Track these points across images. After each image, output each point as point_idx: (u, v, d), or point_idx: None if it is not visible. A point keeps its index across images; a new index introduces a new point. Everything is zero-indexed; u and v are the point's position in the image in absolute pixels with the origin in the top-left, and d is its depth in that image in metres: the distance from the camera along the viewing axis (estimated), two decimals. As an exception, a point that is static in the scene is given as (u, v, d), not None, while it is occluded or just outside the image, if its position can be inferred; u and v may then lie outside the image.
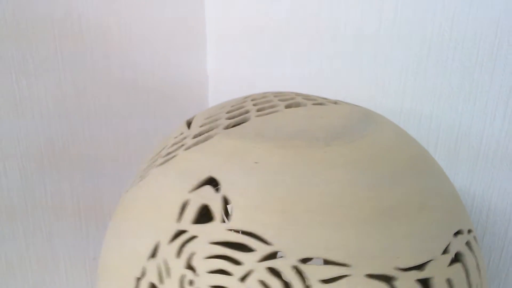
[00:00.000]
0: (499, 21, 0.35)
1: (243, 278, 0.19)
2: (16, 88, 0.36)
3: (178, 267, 0.20)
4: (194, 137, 0.24)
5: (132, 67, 0.45)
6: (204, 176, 0.21)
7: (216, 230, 0.20)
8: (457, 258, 0.22)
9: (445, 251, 0.21)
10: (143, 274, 0.21)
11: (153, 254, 0.21)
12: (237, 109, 0.26)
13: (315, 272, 0.19)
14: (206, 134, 0.23)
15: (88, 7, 0.39)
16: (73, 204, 0.41)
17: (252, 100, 0.27)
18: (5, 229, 0.36)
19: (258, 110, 0.25)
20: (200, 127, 0.25)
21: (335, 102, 0.27)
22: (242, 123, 0.24)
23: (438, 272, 0.21)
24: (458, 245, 0.22)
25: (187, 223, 0.21)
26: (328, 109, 0.26)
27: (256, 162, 0.21)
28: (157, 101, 0.48)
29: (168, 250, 0.21)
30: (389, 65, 0.41)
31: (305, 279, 0.19)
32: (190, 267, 0.20)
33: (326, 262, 0.19)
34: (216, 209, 0.20)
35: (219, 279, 0.19)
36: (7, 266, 0.37)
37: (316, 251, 0.19)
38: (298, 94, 0.28)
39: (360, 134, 0.23)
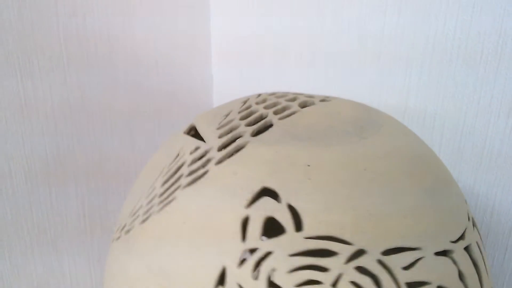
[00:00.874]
0: (503, 20, 0.35)
1: (334, 284, 0.19)
2: (21, 89, 0.36)
3: (259, 288, 0.19)
4: (220, 149, 0.23)
5: (137, 69, 0.45)
6: (257, 187, 0.20)
7: (293, 241, 0.19)
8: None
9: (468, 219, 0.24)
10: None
11: (221, 282, 0.20)
12: (250, 114, 0.25)
13: (396, 262, 0.19)
14: (234, 145, 0.22)
15: (93, 8, 0.39)
16: (78, 206, 0.41)
17: (257, 103, 0.27)
18: (10, 230, 0.36)
19: (275, 113, 0.25)
20: (219, 138, 0.23)
21: (327, 98, 0.27)
22: (267, 127, 0.24)
23: (472, 237, 0.23)
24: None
25: (254, 240, 0.19)
26: (337, 104, 0.26)
27: (308, 165, 0.20)
28: (162, 103, 0.48)
29: (240, 273, 0.19)
30: (393, 64, 0.41)
31: (390, 270, 0.19)
32: (273, 285, 0.19)
33: (399, 249, 0.20)
34: (286, 220, 0.19)
35: (311, 290, 0.19)
36: (12, 268, 0.37)
37: (394, 241, 0.20)
38: (294, 93, 0.28)
39: (377, 124, 0.23)
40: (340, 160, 0.21)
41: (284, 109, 0.25)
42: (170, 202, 0.22)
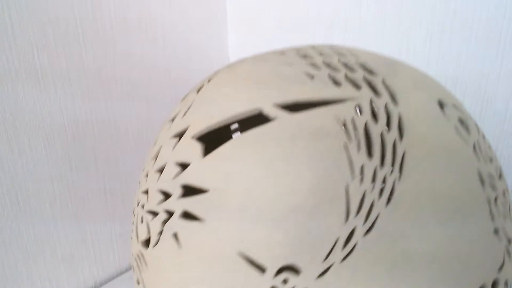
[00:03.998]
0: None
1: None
2: (38, 64, 0.36)
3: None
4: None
5: (152, 45, 0.44)
6: None
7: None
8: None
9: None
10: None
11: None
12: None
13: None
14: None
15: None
16: (98, 180, 0.41)
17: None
18: (32, 203, 0.36)
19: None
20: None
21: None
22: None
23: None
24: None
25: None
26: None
27: None
28: (178, 80, 0.47)
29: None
30: (413, 29, 0.40)
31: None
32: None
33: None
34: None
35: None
36: (36, 239, 0.37)
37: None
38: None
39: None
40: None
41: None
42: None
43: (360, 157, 0.20)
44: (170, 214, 0.23)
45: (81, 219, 0.40)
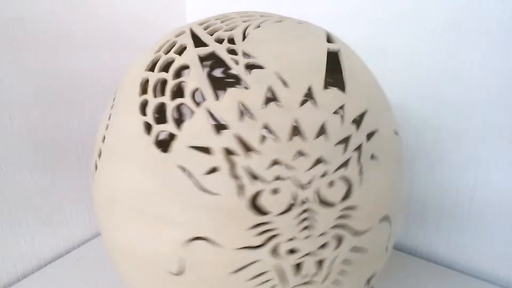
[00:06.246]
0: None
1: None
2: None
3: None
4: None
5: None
6: None
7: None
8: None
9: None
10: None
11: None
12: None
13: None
14: None
15: None
16: (73, 148, 0.45)
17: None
18: (15, 174, 0.40)
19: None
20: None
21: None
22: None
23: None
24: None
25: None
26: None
27: None
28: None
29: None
30: None
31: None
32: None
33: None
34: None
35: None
36: (20, 206, 0.41)
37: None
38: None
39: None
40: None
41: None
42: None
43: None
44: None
45: (59, 187, 0.44)
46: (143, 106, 0.25)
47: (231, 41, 0.25)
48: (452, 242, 0.45)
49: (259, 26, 0.26)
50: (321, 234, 0.23)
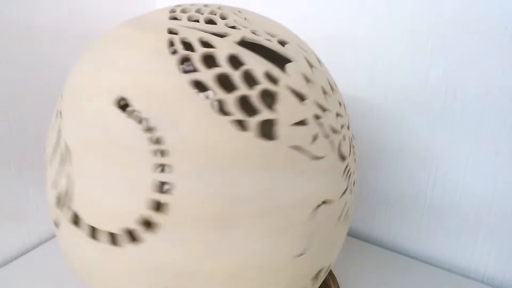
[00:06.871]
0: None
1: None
2: None
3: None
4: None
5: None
6: None
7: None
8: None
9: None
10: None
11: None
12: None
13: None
14: None
15: None
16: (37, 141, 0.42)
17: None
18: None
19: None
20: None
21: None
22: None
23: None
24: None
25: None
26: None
27: None
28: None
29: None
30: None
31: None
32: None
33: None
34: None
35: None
36: None
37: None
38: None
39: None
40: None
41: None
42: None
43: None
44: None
45: (24, 180, 0.42)
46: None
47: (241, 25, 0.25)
48: (415, 232, 0.45)
49: (239, 11, 0.27)
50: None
